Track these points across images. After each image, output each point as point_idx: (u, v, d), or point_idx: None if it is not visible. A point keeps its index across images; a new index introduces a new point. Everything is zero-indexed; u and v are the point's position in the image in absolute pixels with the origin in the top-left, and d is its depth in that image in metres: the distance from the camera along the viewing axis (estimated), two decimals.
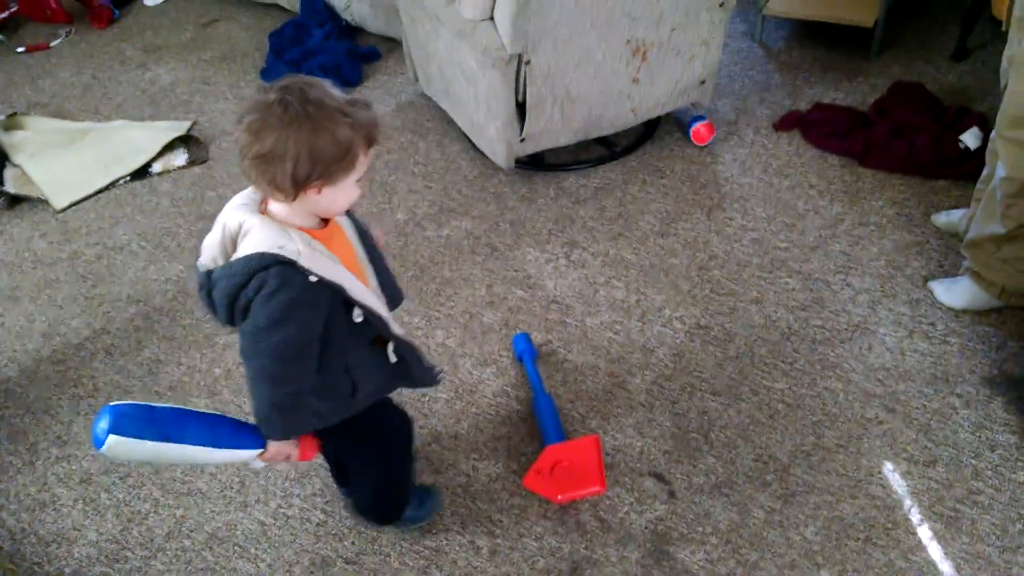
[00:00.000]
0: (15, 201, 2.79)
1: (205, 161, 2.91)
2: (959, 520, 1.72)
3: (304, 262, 1.14)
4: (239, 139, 1.12)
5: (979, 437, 1.86)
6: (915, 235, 2.38)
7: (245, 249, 1.15)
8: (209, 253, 1.21)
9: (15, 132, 3.05)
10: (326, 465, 1.82)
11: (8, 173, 2.84)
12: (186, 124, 3.07)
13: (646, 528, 1.74)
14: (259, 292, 1.14)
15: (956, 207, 2.39)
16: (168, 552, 1.77)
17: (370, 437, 1.49)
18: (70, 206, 2.76)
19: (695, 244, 2.41)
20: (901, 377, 2.00)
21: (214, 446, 1.25)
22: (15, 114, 3.17)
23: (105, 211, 2.74)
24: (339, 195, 1.19)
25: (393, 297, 1.44)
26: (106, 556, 1.78)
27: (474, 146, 2.78)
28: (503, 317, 2.23)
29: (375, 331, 1.32)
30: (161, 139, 2.95)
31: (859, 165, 2.63)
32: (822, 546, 1.69)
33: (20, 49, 3.65)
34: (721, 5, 2.46)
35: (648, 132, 2.83)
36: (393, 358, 1.38)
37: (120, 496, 1.89)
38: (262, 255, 1.13)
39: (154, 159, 2.90)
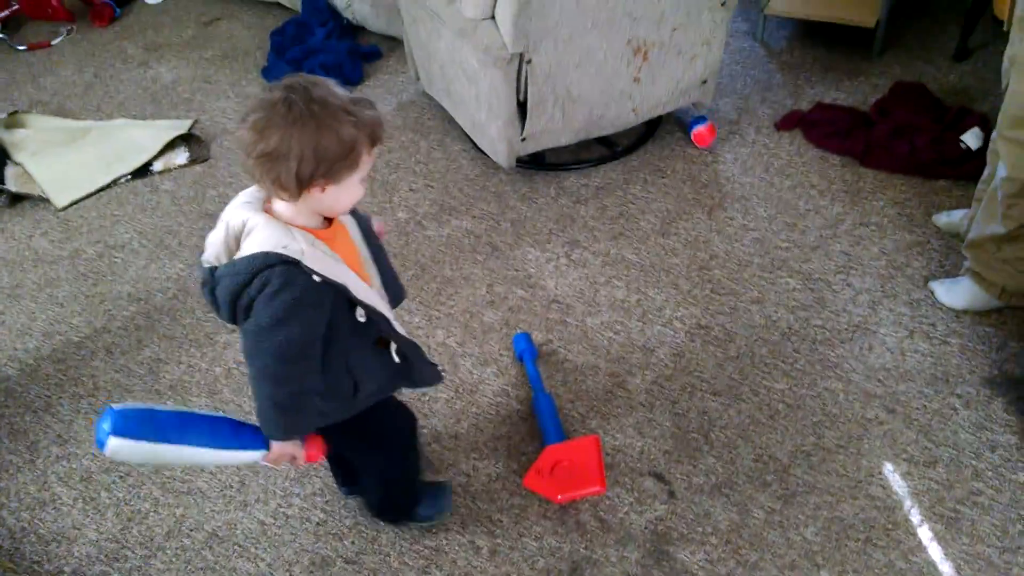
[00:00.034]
0: (16, 199, 2.79)
1: (206, 160, 2.91)
2: (959, 521, 1.72)
3: (307, 262, 1.14)
4: (243, 137, 1.12)
5: (979, 438, 1.86)
6: (916, 235, 2.38)
7: (248, 248, 1.15)
8: (213, 250, 1.20)
9: (16, 130, 3.05)
10: (326, 465, 1.82)
11: (9, 171, 2.83)
12: (187, 122, 3.07)
13: (646, 528, 1.74)
14: (262, 291, 1.14)
15: (957, 207, 2.39)
16: (168, 551, 1.77)
17: (373, 435, 1.49)
18: (71, 204, 2.76)
19: (696, 244, 2.41)
20: (901, 377, 2.00)
21: (217, 448, 1.26)
22: (16, 112, 3.17)
23: (106, 209, 2.74)
24: (343, 194, 1.19)
25: (395, 295, 1.44)
26: (106, 555, 1.78)
27: (475, 145, 2.78)
28: (503, 316, 2.23)
29: (378, 331, 1.32)
30: (162, 137, 2.95)
31: (860, 165, 2.63)
32: (822, 546, 1.69)
33: (22, 47, 3.64)
34: (723, 5, 2.46)
35: (649, 132, 2.82)
36: (397, 359, 1.38)
37: (120, 495, 1.89)
38: (266, 254, 1.13)
39: (155, 157, 2.90)
